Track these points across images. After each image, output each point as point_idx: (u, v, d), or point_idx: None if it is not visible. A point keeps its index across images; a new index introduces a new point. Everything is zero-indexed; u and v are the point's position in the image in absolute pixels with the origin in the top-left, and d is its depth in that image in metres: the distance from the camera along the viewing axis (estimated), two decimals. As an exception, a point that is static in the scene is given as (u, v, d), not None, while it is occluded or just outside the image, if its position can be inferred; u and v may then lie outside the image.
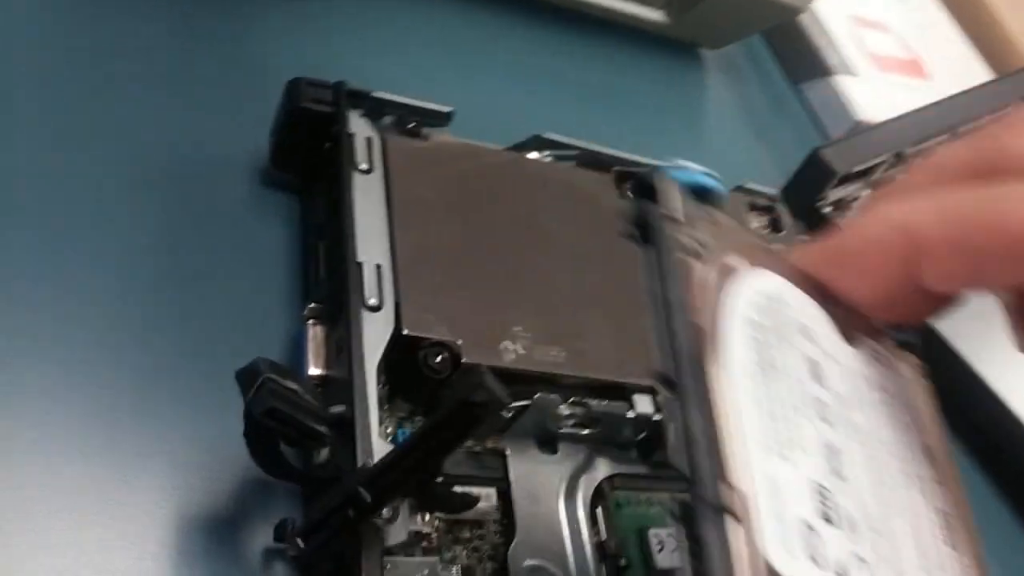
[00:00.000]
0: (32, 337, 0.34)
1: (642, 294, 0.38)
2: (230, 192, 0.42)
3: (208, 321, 0.37)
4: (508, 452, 0.36)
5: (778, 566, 0.20)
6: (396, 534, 0.29)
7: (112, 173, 0.40)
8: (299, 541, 0.24)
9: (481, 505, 0.34)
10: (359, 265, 0.34)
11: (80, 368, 0.34)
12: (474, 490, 0.34)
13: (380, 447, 0.29)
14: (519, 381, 0.35)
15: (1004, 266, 0.24)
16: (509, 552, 0.33)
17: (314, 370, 0.34)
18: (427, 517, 0.31)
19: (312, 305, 0.36)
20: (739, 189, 0.50)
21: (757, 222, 0.48)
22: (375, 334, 0.33)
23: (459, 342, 0.34)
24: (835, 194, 0.60)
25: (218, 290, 0.39)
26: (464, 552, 0.34)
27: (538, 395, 0.34)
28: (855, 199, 0.62)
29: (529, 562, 0.33)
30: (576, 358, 0.37)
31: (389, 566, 0.29)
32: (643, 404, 0.37)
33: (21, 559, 0.30)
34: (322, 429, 0.26)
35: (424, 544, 0.33)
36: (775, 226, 0.49)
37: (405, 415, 0.36)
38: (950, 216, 0.25)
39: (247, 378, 0.27)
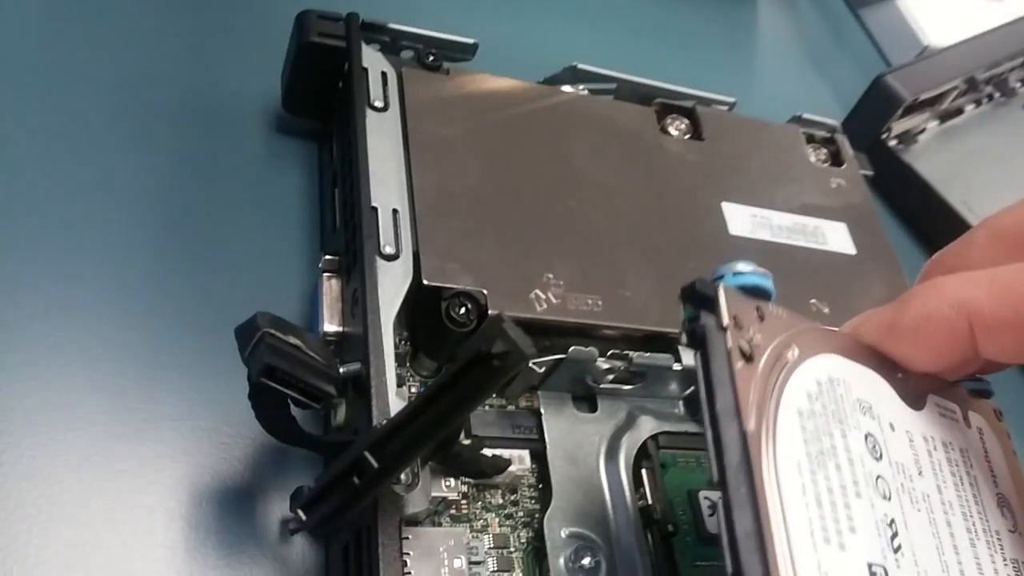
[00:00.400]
0: (33, 295, 0.32)
1: (688, 236, 0.35)
2: (243, 140, 0.39)
3: (220, 278, 0.35)
4: (543, 411, 0.33)
5: None
6: (416, 502, 0.26)
7: (120, 120, 0.37)
8: (300, 513, 0.22)
9: (514, 468, 0.31)
10: (373, 210, 0.31)
11: (85, 328, 0.32)
12: (506, 453, 0.31)
13: (398, 407, 0.27)
14: (552, 333, 0.33)
15: None
16: (545, 518, 0.31)
17: (329, 327, 0.32)
18: (452, 483, 0.28)
19: (327, 257, 0.33)
20: (796, 120, 0.46)
21: (815, 155, 0.44)
22: (392, 285, 0.30)
23: (484, 291, 0.31)
24: (901, 125, 0.55)
25: (231, 244, 0.36)
26: (496, 520, 0.31)
27: (573, 348, 0.31)
28: (922, 131, 0.57)
29: (567, 529, 0.31)
30: (615, 307, 0.33)
31: (410, 537, 0.27)
32: (690, 356, 0.34)
33: (30, 530, 0.28)
34: (329, 388, 0.24)
35: (452, 512, 0.31)
36: (835, 159, 0.45)
37: (429, 374, 0.33)
38: (1004, 295, 0.25)
39: (245, 335, 0.24)
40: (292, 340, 0.24)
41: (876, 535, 0.23)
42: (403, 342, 0.33)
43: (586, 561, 0.30)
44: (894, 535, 0.24)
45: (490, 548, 0.31)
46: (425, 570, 0.26)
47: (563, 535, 0.31)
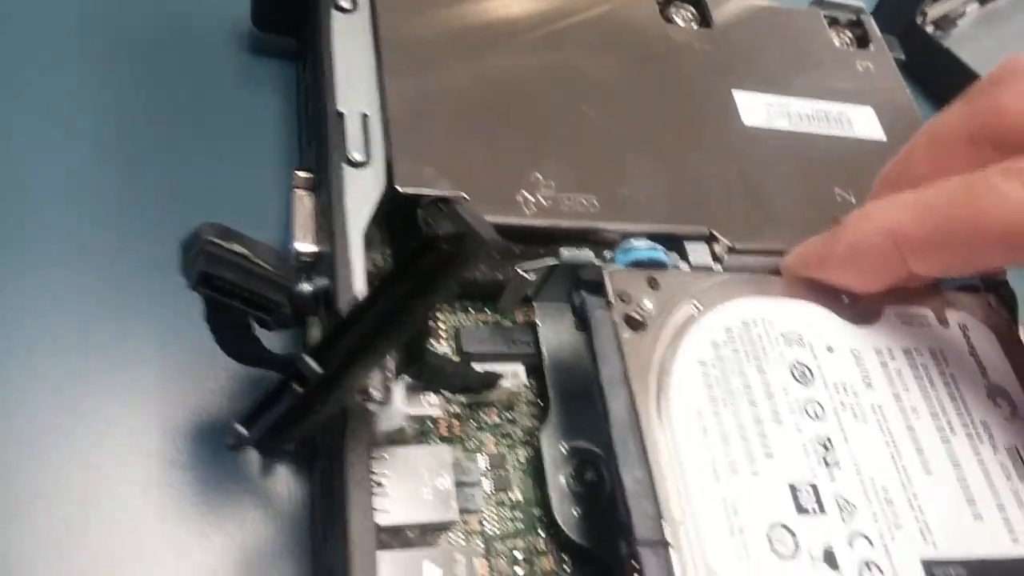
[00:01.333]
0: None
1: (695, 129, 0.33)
2: (216, 62, 0.37)
3: (195, 207, 0.33)
4: (539, 323, 0.31)
5: (725, 572, 0.23)
6: (390, 419, 0.24)
7: (89, 45, 0.35)
8: (240, 428, 0.20)
9: (507, 384, 0.29)
10: (340, 116, 0.29)
11: (54, 260, 0.30)
12: (499, 368, 0.29)
13: (371, 321, 0.25)
14: (545, 239, 0.30)
15: (986, 256, 0.26)
16: (541, 434, 0.28)
17: (302, 245, 0.29)
18: (435, 399, 0.26)
19: (299, 173, 0.31)
20: (816, 3, 0.42)
21: (838, 39, 0.40)
22: (361, 193, 0.28)
23: (465, 196, 0.29)
24: (937, 9, 0.51)
25: (207, 171, 0.34)
26: (493, 440, 0.29)
27: (565, 251, 0.29)
28: (962, 14, 0.52)
29: (567, 444, 0.28)
30: (614, 206, 0.31)
31: (387, 457, 0.25)
32: (699, 254, 0.31)
33: (9, 480, 0.27)
34: (277, 296, 0.21)
35: (443, 433, 0.29)
36: (860, 42, 0.41)
37: (417, 290, 0.31)
38: (928, 217, 0.26)
39: (186, 246, 0.22)
40: (237, 248, 0.22)
41: (803, 456, 0.25)
42: (386, 259, 0.31)
43: (588, 475, 0.28)
44: (828, 452, 0.26)
45: (486, 469, 0.28)
46: (404, 490, 0.24)
47: (563, 450, 0.28)
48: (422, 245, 0.18)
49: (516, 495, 0.28)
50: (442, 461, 0.25)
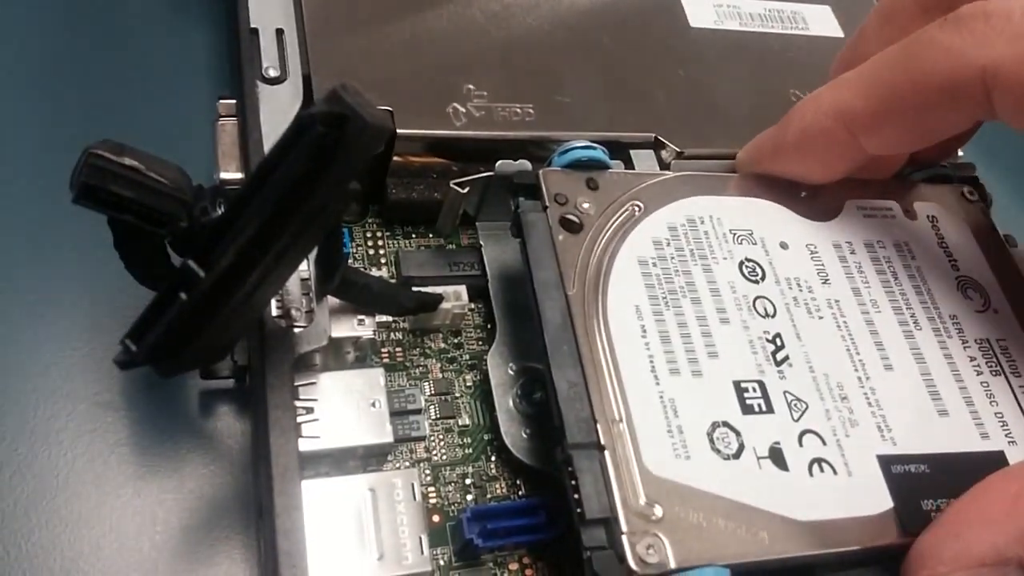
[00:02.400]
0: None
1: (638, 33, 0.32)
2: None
3: (124, 136, 0.31)
4: (483, 243, 0.29)
5: (662, 472, 0.22)
6: (311, 339, 0.23)
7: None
8: (128, 343, 0.19)
9: (448, 306, 0.27)
10: (254, 32, 0.27)
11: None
12: (443, 291, 0.28)
13: (294, 243, 0.23)
14: (480, 153, 0.28)
15: (936, 116, 0.25)
16: (488, 356, 0.27)
17: (225, 173, 0.28)
18: (367, 321, 0.25)
19: (223, 101, 0.29)
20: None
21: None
22: (277, 110, 0.26)
23: (390, 109, 0.27)
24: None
25: (138, 106, 0.32)
26: (438, 366, 0.28)
27: (500, 161, 0.27)
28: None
29: (514, 365, 0.27)
30: (552, 115, 0.29)
31: (316, 382, 0.23)
32: (645, 161, 0.29)
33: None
34: (171, 208, 0.20)
35: (386, 360, 0.27)
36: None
37: (355, 218, 0.29)
38: (872, 89, 0.25)
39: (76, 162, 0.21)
40: (127, 161, 0.20)
41: (750, 354, 0.25)
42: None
43: (537, 395, 0.26)
44: (778, 349, 0.25)
45: (431, 395, 0.27)
46: (334, 415, 0.23)
47: (511, 372, 0.27)
48: (297, 127, 0.17)
49: (464, 420, 0.27)
50: (374, 383, 0.24)
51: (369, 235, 0.29)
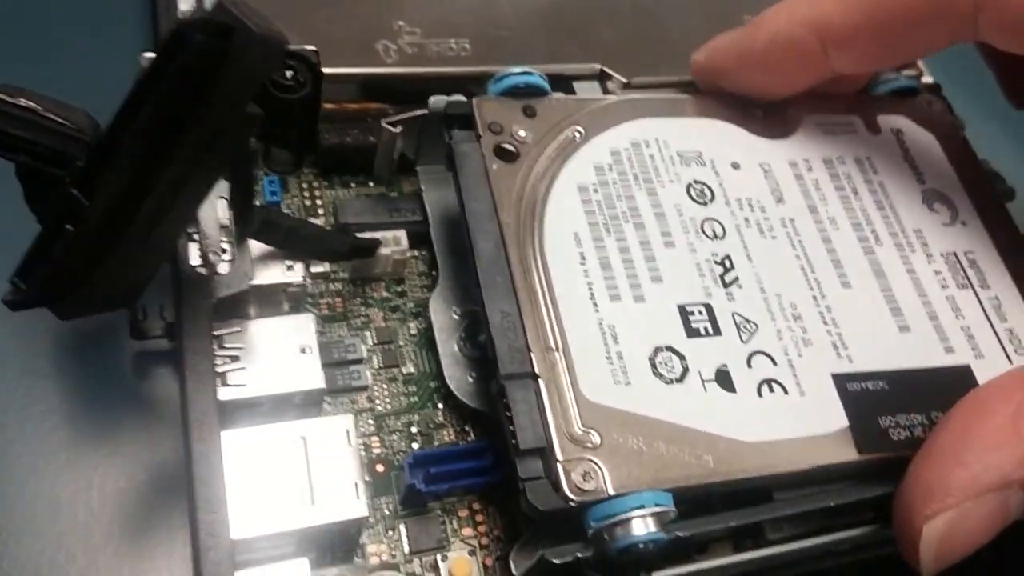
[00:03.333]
0: None
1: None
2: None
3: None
4: (423, 187, 0.28)
5: (600, 399, 0.21)
6: (231, 284, 0.22)
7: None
8: (17, 281, 0.18)
9: (387, 251, 0.26)
10: (169, -25, 0.26)
11: None
12: (380, 235, 0.27)
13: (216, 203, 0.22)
14: (413, 93, 0.27)
15: (918, 35, 0.24)
16: (431, 301, 0.26)
17: (150, 125, 0.27)
18: (296, 267, 0.24)
19: (146, 55, 0.28)
20: None
21: None
22: (194, 53, 0.25)
23: (315, 48, 0.26)
24: None
25: (60, 55, 0.31)
26: (381, 315, 0.27)
27: (433, 97, 0.26)
28: None
29: (458, 309, 0.26)
30: (489, 49, 0.28)
31: (240, 329, 0.22)
32: (587, 91, 0.28)
33: None
34: (68, 148, 0.19)
35: (325, 312, 0.26)
36: None
37: (285, 168, 0.28)
38: (855, 4, 0.24)
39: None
40: (24, 103, 0.19)
41: (697, 276, 0.24)
42: (252, 140, 0.28)
43: (482, 337, 0.25)
44: (726, 271, 0.24)
45: (374, 344, 0.26)
46: (263, 362, 0.22)
47: (454, 316, 0.26)
48: (176, 36, 0.16)
49: (409, 368, 0.26)
50: (304, 328, 0.23)
51: (305, 185, 0.28)
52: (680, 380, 0.22)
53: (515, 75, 0.25)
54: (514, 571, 0.22)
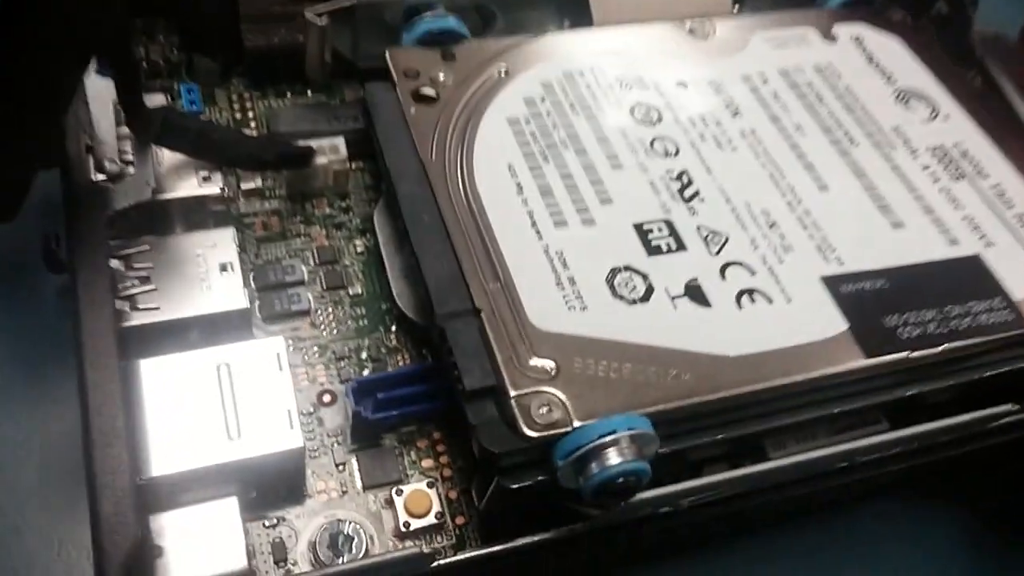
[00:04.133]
0: None
1: None
2: None
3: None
4: (367, 90, 0.25)
5: (553, 327, 0.19)
6: (132, 192, 0.19)
7: None
8: None
9: (329, 162, 0.24)
10: None
11: None
12: (316, 143, 0.24)
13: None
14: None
15: None
16: (375, 212, 0.23)
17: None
18: (214, 176, 0.21)
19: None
20: None
21: None
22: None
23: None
24: None
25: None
26: (323, 232, 0.24)
27: None
28: None
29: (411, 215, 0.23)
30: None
31: (150, 248, 0.20)
32: None
33: None
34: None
35: (261, 232, 0.24)
36: None
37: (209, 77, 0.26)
38: None
39: None
40: None
41: (652, 194, 0.22)
42: (173, 52, 0.26)
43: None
44: (685, 186, 0.22)
45: (316, 265, 0.24)
46: (176, 282, 0.20)
47: (403, 222, 0.23)
48: None
49: (356, 289, 0.23)
50: (223, 243, 0.20)
51: (235, 97, 0.26)
52: (644, 299, 0.20)
53: (428, 20, 0.24)
54: (476, 502, 0.20)
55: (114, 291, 0.18)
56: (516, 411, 0.18)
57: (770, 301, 0.20)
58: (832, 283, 0.21)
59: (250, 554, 0.19)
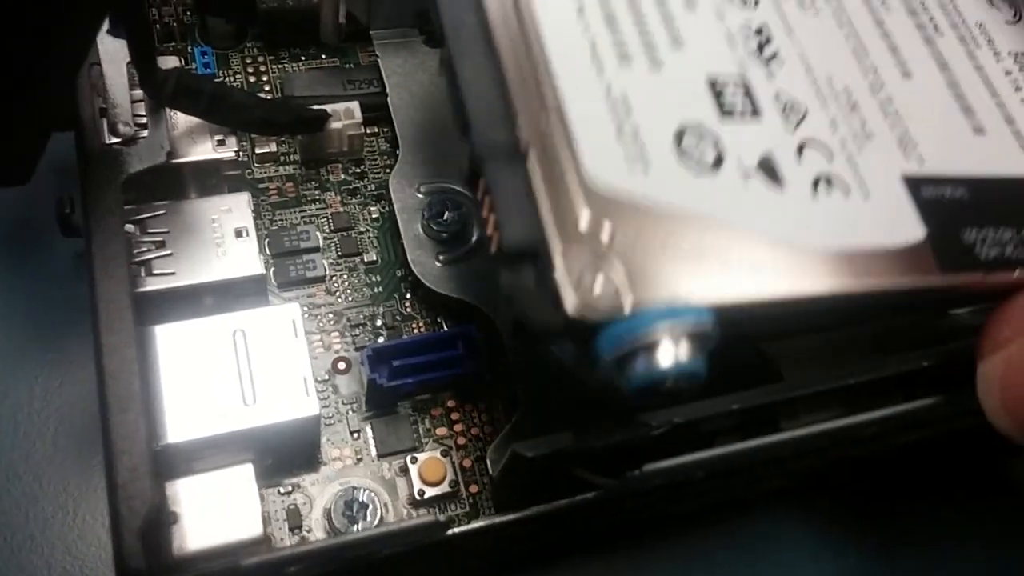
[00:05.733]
0: None
1: None
2: None
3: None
4: (380, 53, 0.25)
5: (611, 185, 0.16)
6: (145, 155, 0.19)
7: None
8: None
9: (343, 126, 0.23)
10: None
11: None
12: (331, 107, 0.23)
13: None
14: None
15: None
16: (391, 180, 0.23)
17: None
18: (229, 140, 0.21)
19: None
20: None
21: None
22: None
23: None
24: None
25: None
26: (339, 199, 0.24)
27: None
28: None
29: (422, 187, 0.23)
30: None
31: (166, 212, 0.20)
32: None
33: None
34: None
35: (274, 197, 0.24)
36: None
37: (225, 42, 0.25)
38: None
39: None
40: None
41: (727, 47, 0.19)
42: (186, 14, 0.26)
43: (447, 216, 0.22)
44: (764, 44, 0.19)
45: (331, 231, 0.23)
46: (191, 247, 0.19)
47: (418, 193, 0.23)
48: None
49: (371, 256, 0.23)
50: (239, 208, 0.20)
51: (249, 60, 0.25)
52: (714, 168, 0.17)
53: None
54: (490, 470, 0.20)
55: (129, 256, 0.18)
56: (562, 284, 0.14)
57: (847, 194, 0.18)
58: (914, 184, 0.19)
59: (266, 521, 0.19)
